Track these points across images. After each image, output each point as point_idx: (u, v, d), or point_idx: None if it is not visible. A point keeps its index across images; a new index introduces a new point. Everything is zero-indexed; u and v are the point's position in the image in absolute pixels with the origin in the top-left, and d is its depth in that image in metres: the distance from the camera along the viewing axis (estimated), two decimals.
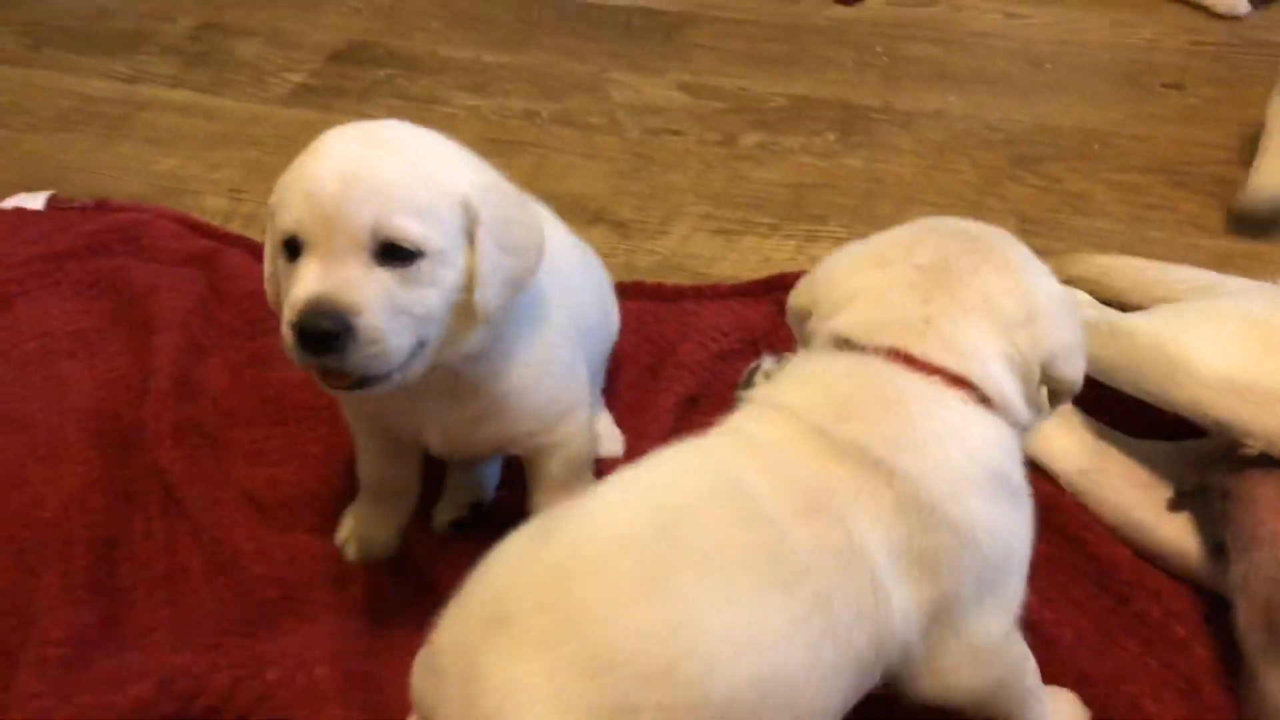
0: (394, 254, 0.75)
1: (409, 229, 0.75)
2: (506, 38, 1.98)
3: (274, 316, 1.28)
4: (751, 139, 1.68)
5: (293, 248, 0.77)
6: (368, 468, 1.01)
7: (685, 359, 1.22)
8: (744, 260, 1.44)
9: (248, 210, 1.55)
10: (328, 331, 0.73)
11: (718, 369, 1.23)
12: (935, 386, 0.71)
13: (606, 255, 1.41)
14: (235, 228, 1.49)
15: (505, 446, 0.96)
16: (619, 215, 1.51)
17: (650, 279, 1.38)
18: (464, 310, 0.79)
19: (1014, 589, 0.74)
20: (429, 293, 0.77)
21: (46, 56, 1.98)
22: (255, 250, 1.42)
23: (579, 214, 1.48)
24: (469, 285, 0.78)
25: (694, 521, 0.66)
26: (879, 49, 1.91)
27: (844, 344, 0.74)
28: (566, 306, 0.93)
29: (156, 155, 1.68)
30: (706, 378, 1.21)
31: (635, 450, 1.10)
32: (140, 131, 1.74)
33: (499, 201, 0.80)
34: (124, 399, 1.21)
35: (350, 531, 1.04)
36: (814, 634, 0.65)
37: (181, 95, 1.83)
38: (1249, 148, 1.64)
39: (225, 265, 1.37)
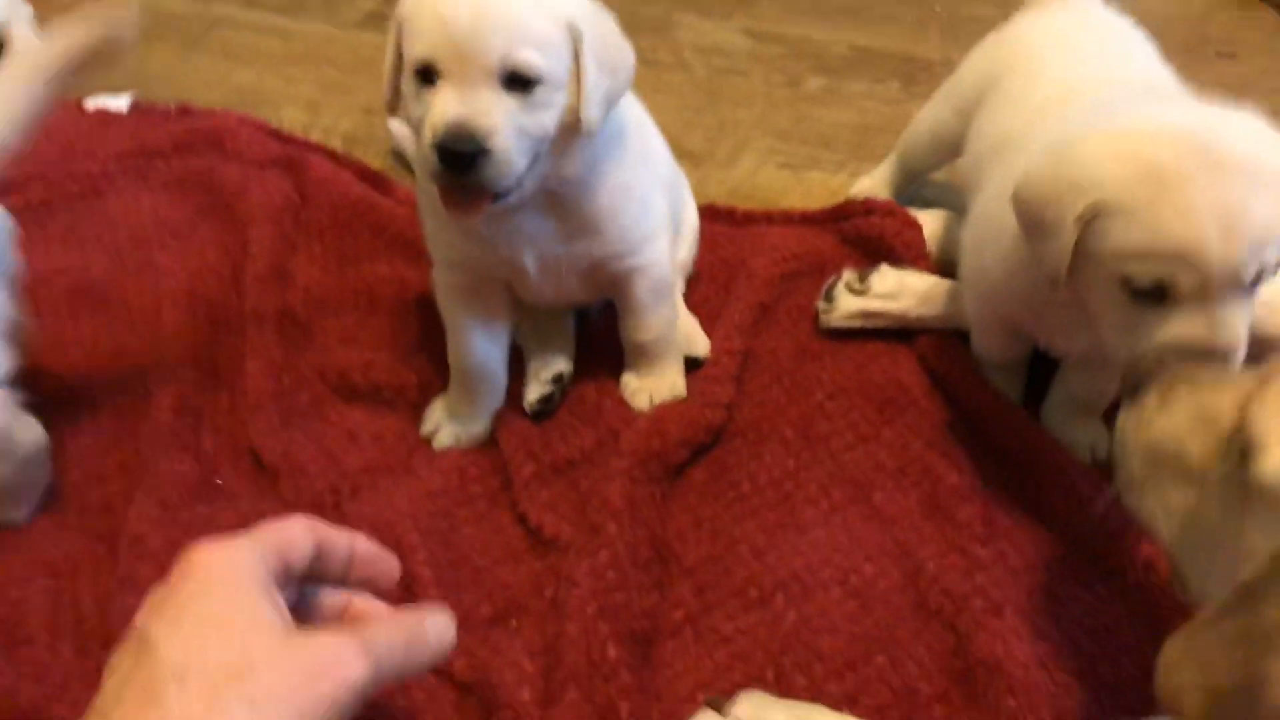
0: (518, 81, 0.83)
1: (533, 60, 0.83)
2: None
3: (361, 219, 1.34)
4: (816, 83, 1.72)
5: (426, 73, 0.84)
6: (459, 350, 1.06)
7: (757, 271, 1.25)
8: (811, 194, 1.47)
9: (325, 124, 1.58)
10: (467, 153, 0.81)
11: (787, 287, 1.27)
12: None
13: None
14: (315, 138, 1.53)
15: (594, 273, 1.03)
16: (689, 146, 1.55)
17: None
18: (566, 131, 0.88)
19: None
20: (545, 115, 0.86)
21: None
22: (337, 158, 1.46)
23: None
24: (573, 104, 0.87)
25: None
26: (938, 8, 1.94)
27: None
28: (641, 142, 1.04)
29: (233, 68, 1.71)
30: (777, 293, 1.25)
31: (717, 351, 1.14)
32: (217, 47, 1.77)
33: (598, 24, 0.89)
34: (215, 286, 1.24)
35: (439, 421, 1.08)
36: None
37: (256, 15, 1.86)
38: None
39: (309, 169, 1.40)
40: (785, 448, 1.06)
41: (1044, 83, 1.03)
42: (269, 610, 0.55)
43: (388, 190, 1.41)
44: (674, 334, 1.11)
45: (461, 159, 0.82)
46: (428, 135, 0.83)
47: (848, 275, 1.19)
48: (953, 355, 1.14)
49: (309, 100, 1.64)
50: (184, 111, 1.54)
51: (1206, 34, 1.93)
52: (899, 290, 1.17)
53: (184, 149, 1.45)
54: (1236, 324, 0.78)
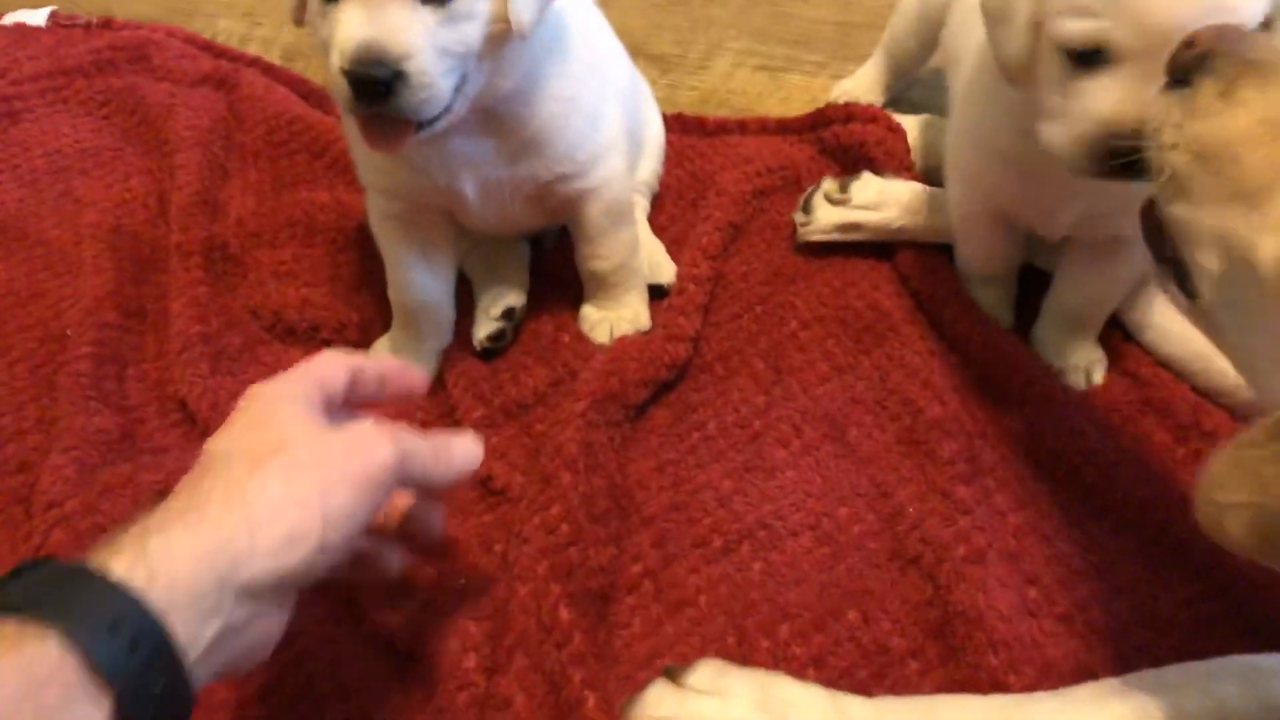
0: None
1: None
2: None
3: (298, 140, 1.24)
4: None
5: None
6: (400, 285, 0.97)
7: (727, 188, 1.16)
8: (791, 99, 1.36)
9: (264, 34, 1.46)
10: (381, 79, 0.71)
11: (760, 204, 1.17)
12: None
13: None
14: (253, 51, 1.41)
15: (542, 198, 0.94)
16: (657, 49, 1.43)
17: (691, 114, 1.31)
18: (496, 40, 0.78)
19: None
20: (468, 27, 0.75)
21: None
22: (274, 73, 1.34)
23: None
24: (500, 10, 0.76)
25: None
26: None
27: None
28: (588, 47, 0.93)
29: None
30: (749, 211, 1.16)
31: (683, 278, 1.06)
32: None
33: None
34: (141, 218, 1.15)
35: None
36: None
37: None
38: None
39: (243, 86, 1.30)
40: (755, 382, 0.98)
41: None
42: (310, 414, 0.61)
43: (329, 107, 1.30)
44: (635, 260, 1.02)
45: (375, 86, 0.72)
46: (335, 59, 0.73)
47: (827, 184, 1.09)
48: (938, 275, 1.05)
49: (246, 8, 1.51)
50: (106, 25, 1.42)
51: None
52: (881, 200, 1.08)
53: (106, 67, 1.34)
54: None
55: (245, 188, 1.19)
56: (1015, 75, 0.77)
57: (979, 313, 1.02)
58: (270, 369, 1.01)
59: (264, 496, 0.55)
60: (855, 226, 1.08)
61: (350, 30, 0.71)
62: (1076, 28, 0.71)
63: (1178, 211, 0.58)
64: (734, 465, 0.91)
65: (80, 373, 0.96)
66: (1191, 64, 0.59)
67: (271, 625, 0.56)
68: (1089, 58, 0.71)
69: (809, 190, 1.10)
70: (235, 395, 0.94)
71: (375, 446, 0.60)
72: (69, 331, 1.02)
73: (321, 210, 1.15)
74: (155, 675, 0.47)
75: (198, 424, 0.96)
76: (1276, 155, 0.53)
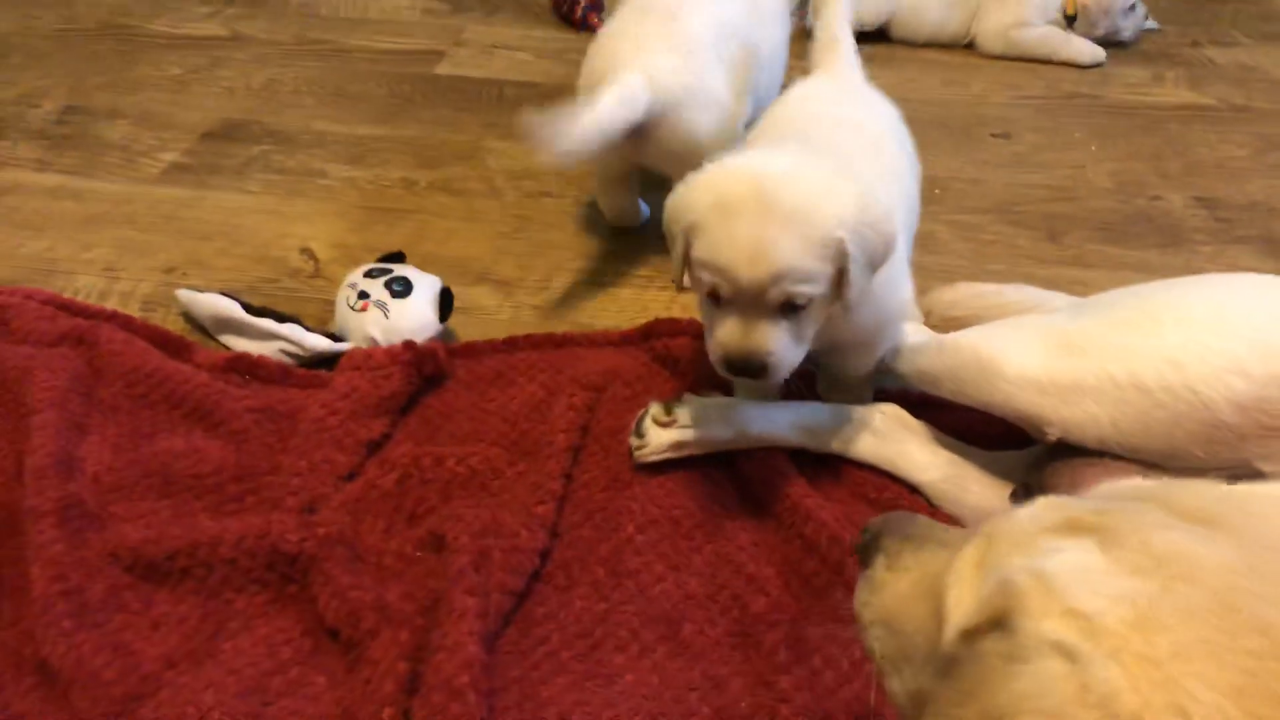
0: None
1: None
2: (381, 112, 2.04)
3: (156, 390, 1.30)
4: None
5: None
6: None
7: (574, 404, 1.26)
8: (624, 311, 1.50)
9: (123, 288, 1.53)
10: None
11: (598, 414, 1.28)
12: None
13: (492, 312, 1.46)
14: (112, 305, 1.48)
15: None
16: (502, 274, 1.57)
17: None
18: None
19: None
20: None
21: None
22: (133, 326, 1.41)
23: (463, 275, 1.53)
24: None
25: None
26: None
27: None
28: None
29: (24, 239, 1.65)
30: (588, 422, 1.26)
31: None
32: (6, 216, 1.71)
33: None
34: None
35: None
36: None
37: (49, 178, 1.80)
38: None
39: (102, 342, 1.35)
40: (595, 590, 1.06)
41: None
42: None
43: (188, 355, 1.37)
44: None
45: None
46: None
47: (654, 408, 1.19)
48: (768, 463, 1.17)
49: (106, 264, 1.59)
50: None
51: (982, 116, 2.07)
52: (705, 416, 1.19)
53: None
54: (761, 337, 0.99)
55: (103, 442, 1.23)
56: (679, 281, 1.06)
57: (804, 489, 1.13)
58: (138, 614, 1.04)
59: None
60: (685, 444, 1.18)
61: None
62: (706, 277, 0.99)
63: (893, 685, 0.59)
64: (576, 676, 0.97)
65: None
66: (868, 548, 0.65)
67: None
68: (714, 297, 1.00)
69: (639, 414, 1.20)
70: (101, 649, 0.98)
71: None
72: None
73: (179, 459, 1.20)
74: None
75: (59, 683, 0.97)
76: (927, 612, 0.56)
